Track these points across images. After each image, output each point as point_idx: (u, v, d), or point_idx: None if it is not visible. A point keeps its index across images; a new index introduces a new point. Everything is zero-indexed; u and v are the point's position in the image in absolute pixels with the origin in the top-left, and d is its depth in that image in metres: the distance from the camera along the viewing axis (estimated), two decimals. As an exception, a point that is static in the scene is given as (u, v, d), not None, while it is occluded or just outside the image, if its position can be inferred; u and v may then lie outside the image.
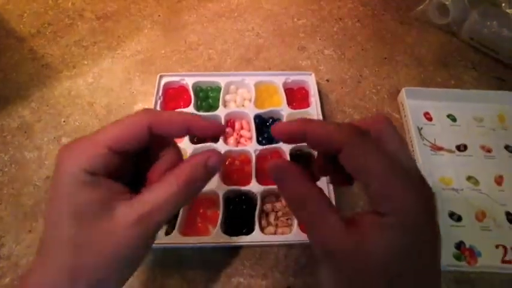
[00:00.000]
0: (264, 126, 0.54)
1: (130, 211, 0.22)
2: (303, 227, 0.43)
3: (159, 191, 0.23)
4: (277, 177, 0.24)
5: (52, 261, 0.22)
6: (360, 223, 0.21)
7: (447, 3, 0.65)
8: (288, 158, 0.49)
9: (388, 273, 0.20)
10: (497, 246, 0.44)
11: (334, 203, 0.45)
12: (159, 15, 0.72)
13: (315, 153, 0.43)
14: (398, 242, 0.20)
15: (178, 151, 0.27)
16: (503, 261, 0.43)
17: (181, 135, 0.25)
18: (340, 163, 0.22)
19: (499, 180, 0.50)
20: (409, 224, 0.20)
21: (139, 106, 0.58)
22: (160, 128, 0.24)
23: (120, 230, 0.22)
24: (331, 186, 0.46)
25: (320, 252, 0.22)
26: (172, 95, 0.57)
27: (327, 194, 0.44)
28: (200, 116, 0.26)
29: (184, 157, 0.28)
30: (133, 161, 0.26)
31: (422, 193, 0.21)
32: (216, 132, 0.26)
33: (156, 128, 0.24)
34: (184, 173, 0.24)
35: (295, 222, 0.44)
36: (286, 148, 0.50)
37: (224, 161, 0.50)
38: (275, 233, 0.45)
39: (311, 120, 0.23)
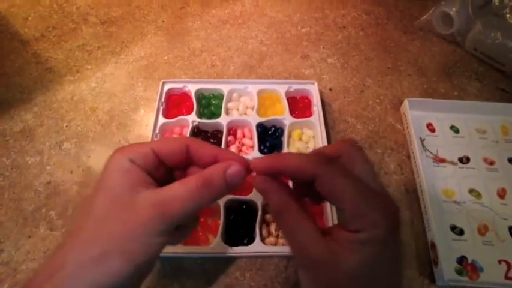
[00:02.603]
0: (266, 134, 0.54)
1: (150, 196, 0.25)
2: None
3: (179, 186, 0.26)
4: (259, 191, 0.27)
5: (84, 232, 0.24)
6: (336, 236, 0.24)
7: (451, 13, 0.65)
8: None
9: (359, 280, 0.23)
10: (500, 262, 0.44)
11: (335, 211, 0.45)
12: (163, 21, 0.72)
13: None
14: (368, 254, 0.23)
15: None
16: (507, 277, 0.43)
17: (209, 164, 0.28)
18: (316, 189, 0.25)
19: (501, 194, 0.50)
20: (377, 239, 0.23)
21: (141, 112, 0.58)
22: (195, 151, 0.28)
23: (139, 210, 0.24)
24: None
25: (298, 259, 0.25)
26: (175, 101, 0.57)
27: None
28: (228, 150, 0.30)
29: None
30: (168, 180, 0.29)
31: (386, 210, 0.24)
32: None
33: (192, 150, 0.28)
34: (203, 175, 0.26)
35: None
36: (288, 157, 0.49)
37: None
38: (276, 244, 0.44)
39: (283, 156, 0.27)
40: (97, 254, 0.23)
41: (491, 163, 0.52)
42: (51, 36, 0.68)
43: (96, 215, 0.25)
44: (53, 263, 0.24)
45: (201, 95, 0.57)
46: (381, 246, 0.23)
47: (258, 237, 0.44)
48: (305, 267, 0.25)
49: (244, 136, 0.54)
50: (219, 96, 0.57)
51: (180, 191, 0.25)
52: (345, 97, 0.61)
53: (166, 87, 0.57)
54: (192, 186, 0.25)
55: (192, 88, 0.57)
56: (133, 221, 0.24)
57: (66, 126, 0.56)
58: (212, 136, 0.54)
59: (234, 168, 0.26)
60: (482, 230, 0.46)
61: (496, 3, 0.64)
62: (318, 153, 0.26)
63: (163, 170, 0.28)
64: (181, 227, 0.29)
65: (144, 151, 0.27)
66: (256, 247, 0.43)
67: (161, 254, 0.42)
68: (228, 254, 0.43)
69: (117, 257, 0.23)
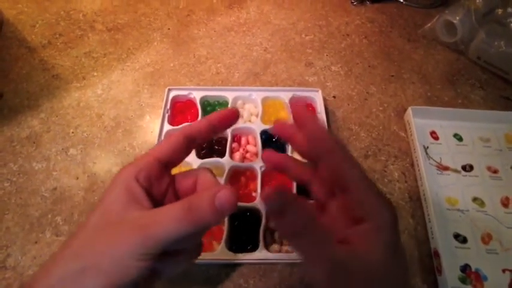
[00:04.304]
0: (270, 142, 0.54)
1: (138, 217, 0.25)
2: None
3: (166, 211, 0.25)
4: (279, 209, 0.24)
5: (74, 244, 0.25)
6: (348, 237, 0.24)
7: (455, 21, 0.65)
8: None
9: (376, 267, 0.23)
10: (504, 271, 0.44)
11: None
12: (169, 29, 0.73)
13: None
14: (378, 240, 0.23)
15: None
16: (511, 287, 0.43)
17: (209, 135, 0.29)
18: (322, 169, 0.26)
19: (505, 202, 0.50)
20: (383, 226, 0.24)
21: (147, 119, 0.59)
22: (192, 132, 0.29)
23: (124, 231, 0.24)
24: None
25: (316, 269, 0.23)
26: (180, 108, 0.58)
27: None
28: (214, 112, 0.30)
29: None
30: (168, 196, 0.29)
31: (388, 204, 0.24)
32: (233, 116, 0.31)
33: (189, 133, 0.29)
34: (190, 200, 0.25)
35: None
36: (292, 165, 0.50)
37: (230, 176, 0.51)
38: (280, 251, 0.45)
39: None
40: (77, 269, 0.23)
41: (495, 171, 0.53)
42: (58, 43, 0.69)
43: (88, 230, 0.25)
44: (41, 271, 0.24)
45: (206, 102, 0.58)
46: (387, 232, 0.24)
47: (261, 244, 0.44)
48: (327, 277, 0.23)
49: (248, 143, 0.54)
50: (224, 103, 0.58)
51: (165, 215, 0.24)
52: (348, 105, 0.61)
53: (172, 94, 0.58)
54: (178, 212, 0.24)
55: (197, 95, 0.57)
56: (116, 241, 0.24)
57: (73, 132, 0.57)
58: (217, 143, 0.54)
59: (222, 194, 0.24)
60: (486, 239, 0.46)
61: (500, 12, 0.64)
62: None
63: (167, 180, 0.29)
64: (181, 254, 0.28)
65: (147, 161, 0.27)
66: (260, 254, 0.44)
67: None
68: (231, 261, 0.44)
69: (94, 275, 0.23)
